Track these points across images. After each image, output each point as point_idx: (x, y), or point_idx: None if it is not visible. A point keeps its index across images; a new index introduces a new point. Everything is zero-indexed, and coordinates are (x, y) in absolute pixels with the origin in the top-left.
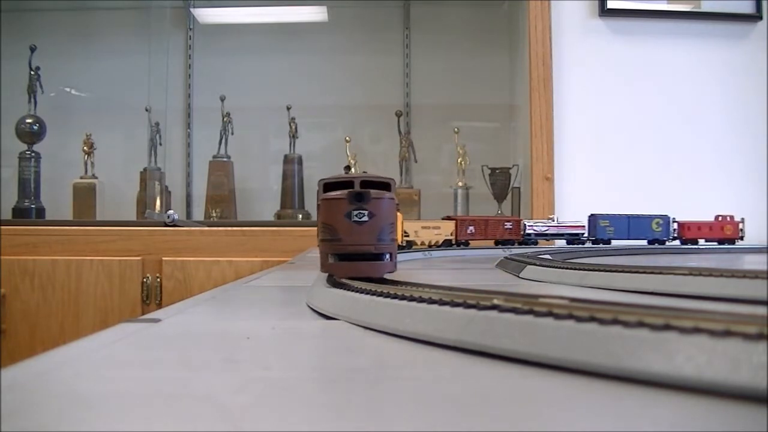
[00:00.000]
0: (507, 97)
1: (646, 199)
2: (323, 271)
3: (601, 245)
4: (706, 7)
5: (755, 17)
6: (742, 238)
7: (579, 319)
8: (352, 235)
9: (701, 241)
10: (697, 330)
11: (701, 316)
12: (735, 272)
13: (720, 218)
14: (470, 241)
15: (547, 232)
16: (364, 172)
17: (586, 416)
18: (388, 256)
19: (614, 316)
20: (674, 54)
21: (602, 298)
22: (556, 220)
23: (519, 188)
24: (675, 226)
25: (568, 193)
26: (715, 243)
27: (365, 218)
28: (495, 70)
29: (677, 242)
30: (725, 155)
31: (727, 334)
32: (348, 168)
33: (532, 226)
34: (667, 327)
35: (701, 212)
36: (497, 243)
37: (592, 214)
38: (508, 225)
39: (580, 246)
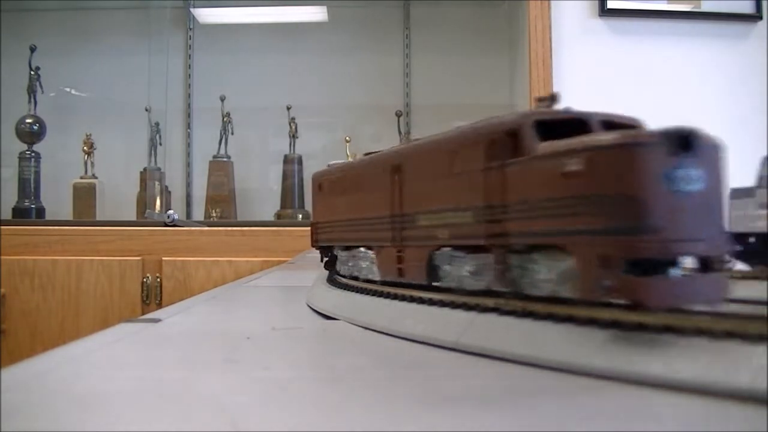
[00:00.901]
0: (507, 97)
1: None
2: (609, 296)
3: None
4: (706, 7)
5: (755, 17)
6: None
7: (578, 322)
8: (679, 220)
9: None
10: (697, 330)
11: (701, 316)
12: (735, 272)
13: None
14: None
15: None
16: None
17: (586, 416)
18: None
19: (613, 318)
20: (674, 54)
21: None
22: None
23: None
24: None
25: None
26: None
27: (699, 185)
28: (495, 70)
29: None
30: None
31: (727, 335)
32: (552, 99)
33: None
34: (667, 328)
35: None
36: None
37: None
38: None
39: None
